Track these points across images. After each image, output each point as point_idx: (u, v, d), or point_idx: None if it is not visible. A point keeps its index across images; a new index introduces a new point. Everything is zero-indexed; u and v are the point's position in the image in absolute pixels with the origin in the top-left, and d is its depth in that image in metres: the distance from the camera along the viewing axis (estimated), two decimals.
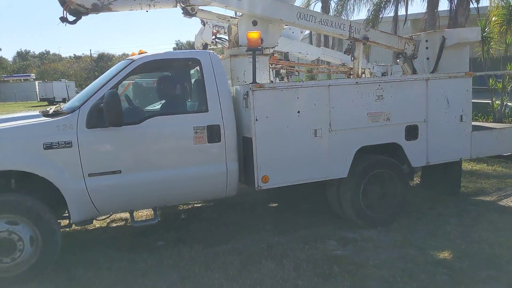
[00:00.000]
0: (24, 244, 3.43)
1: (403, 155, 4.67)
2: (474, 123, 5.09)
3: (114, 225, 5.05)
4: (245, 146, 4.16)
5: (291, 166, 4.18)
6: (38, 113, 3.91)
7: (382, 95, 4.46)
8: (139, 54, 4.24)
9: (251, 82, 4.09)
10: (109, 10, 4.38)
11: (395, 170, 4.64)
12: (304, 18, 5.03)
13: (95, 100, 3.66)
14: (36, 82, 49.33)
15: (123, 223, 5.15)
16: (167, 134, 3.89)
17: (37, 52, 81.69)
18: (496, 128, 5.37)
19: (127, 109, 4.09)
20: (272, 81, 5.32)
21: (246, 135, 4.11)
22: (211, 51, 4.30)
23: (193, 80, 4.34)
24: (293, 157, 4.17)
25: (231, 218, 5.09)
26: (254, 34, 3.99)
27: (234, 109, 4.15)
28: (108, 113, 3.44)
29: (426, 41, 5.67)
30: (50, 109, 4.11)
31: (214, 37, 7.08)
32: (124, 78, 3.86)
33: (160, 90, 4.50)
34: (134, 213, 4.16)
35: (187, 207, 5.71)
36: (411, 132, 4.64)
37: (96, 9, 4.24)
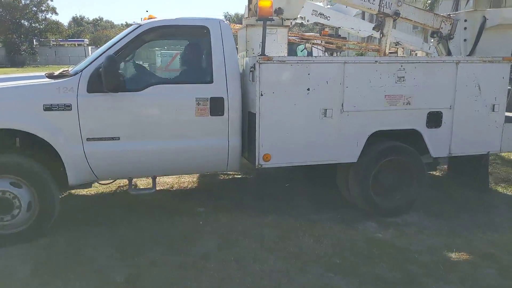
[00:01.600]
0: (23, 204, 3.49)
1: (422, 143, 4.33)
2: (508, 113, 4.61)
3: (158, 188, 5.10)
4: (250, 122, 3.98)
5: (296, 146, 3.98)
6: (43, 75, 3.91)
7: (404, 77, 4.10)
8: (149, 19, 4.11)
9: (259, 54, 3.87)
10: None
11: (412, 158, 4.32)
12: None
13: (97, 64, 3.59)
14: (89, 48, 51.25)
15: (167, 186, 5.25)
16: (168, 103, 3.78)
17: (91, 18, 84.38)
18: None
19: (133, 75, 4.01)
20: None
21: (252, 111, 3.92)
22: (222, 19, 4.09)
23: (201, 49, 4.17)
24: (298, 137, 3.96)
25: (270, 191, 5.07)
26: (266, 2, 3.73)
27: (241, 82, 3.97)
28: (104, 78, 3.37)
29: (465, 20, 5.15)
30: (58, 71, 4.10)
31: None
32: (129, 43, 3.76)
33: (168, 57, 4.38)
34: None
35: (227, 177, 5.74)
36: (434, 119, 4.27)
37: None
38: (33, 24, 52.74)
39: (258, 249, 3.54)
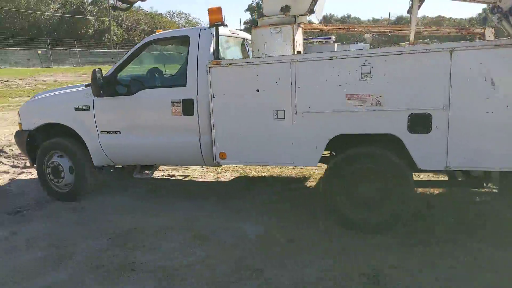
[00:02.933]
0: (64, 171, 4.96)
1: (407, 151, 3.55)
2: None
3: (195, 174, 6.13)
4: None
5: (250, 147, 4.02)
6: (84, 84, 5.25)
7: (369, 73, 3.48)
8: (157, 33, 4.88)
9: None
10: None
11: (388, 168, 3.62)
12: None
13: (108, 73, 4.65)
14: (335, 44, 54.90)
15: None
16: (151, 105, 4.49)
17: (339, 16, 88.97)
18: None
19: (130, 81, 4.76)
20: (299, 52, 4.73)
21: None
22: (205, 27, 4.42)
23: (182, 56, 4.62)
24: (252, 138, 3.99)
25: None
26: (214, 8, 3.91)
27: None
28: (91, 86, 4.39)
29: None
30: None
31: None
32: (132, 56, 4.64)
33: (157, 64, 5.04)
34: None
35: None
36: (419, 122, 3.44)
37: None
38: None
39: None
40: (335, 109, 3.64)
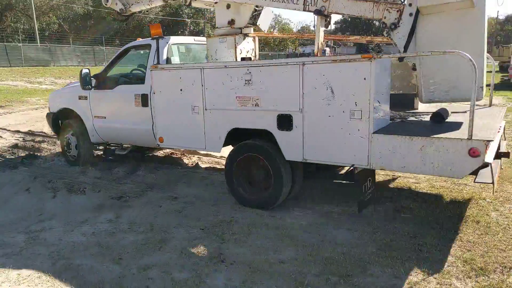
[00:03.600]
0: (72, 147, 6.62)
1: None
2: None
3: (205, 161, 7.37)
4: None
5: (177, 134, 5.15)
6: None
7: (250, 80, 4.37)
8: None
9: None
10: (130, 12, 6.46)
11: (267, 157, 4.45)
12: None
13: (100, 72, 6.16)
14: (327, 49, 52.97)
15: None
16: (123, 97, 5.86)
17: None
18: (428, 137, 3.54)
19: (111, 78, 6.15)
20: (245, 58, 5.61)
21: None
22: (164, 37, 5.59)
23: (146, 59, 5.84)
24: (178, 127, 5.11)
25: None
26: (154, 26, 5.10)
27: None
28: (79, 82, 5.92)
29: (410, 4, 4.18)
30: None
31: None
32: (116, 59, 6.08)
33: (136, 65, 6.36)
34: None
35: None
36: (284, 121, 4.24)
37: (122, 12, 6.44)
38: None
39: None
40: (230, 107, 4.59)
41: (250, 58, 5.61)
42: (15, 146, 8.01)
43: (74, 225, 4.46)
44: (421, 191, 5.11)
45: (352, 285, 3.12)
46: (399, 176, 5.65)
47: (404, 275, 3.22)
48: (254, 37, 5.87)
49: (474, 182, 3.62)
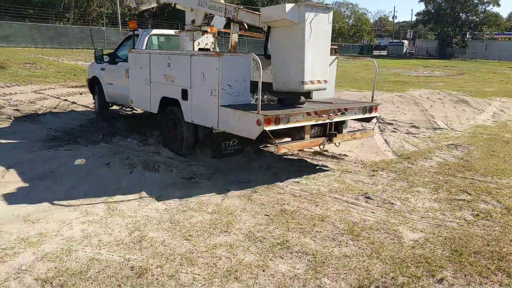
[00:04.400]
0: (97, 105, 9.39)
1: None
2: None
3: None
4: None
5: (138, 98, 7.45)
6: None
7: (169, 64, 6.42)
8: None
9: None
10: (140, 10, 8.79)
11: (177, 118, 6.47)
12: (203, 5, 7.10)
13: (113, 51, 8.73)
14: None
15: None
16: (120, 71, 8.30)
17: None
18: (241, 110, 5.22)
19: (116, 56, 8.63)
20: (202, 49, 7.43)
21: None
22: (147, 29, 7.91)
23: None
24: (139, 93, 7.38)
25: None
26: (131, 22, 7.45)
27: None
28: (95, 58, 8.54)
29: None
30: None
31: None
32: (121, 43, 8.64)
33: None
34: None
35: None
36: (184, 94, 6.21)
37: (136, 9, 8.81)
38: (470, 17, 54.25)
39: None
40: (161, 82, 6.69)
41: (208, 49, 7.59)
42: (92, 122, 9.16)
43: (148, 200, 4.78)
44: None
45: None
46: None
47: None
48: (214, 33, 7.81)
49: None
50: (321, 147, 6.60)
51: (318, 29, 5.45)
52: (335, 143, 6.23)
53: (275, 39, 5.71)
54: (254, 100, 6.03)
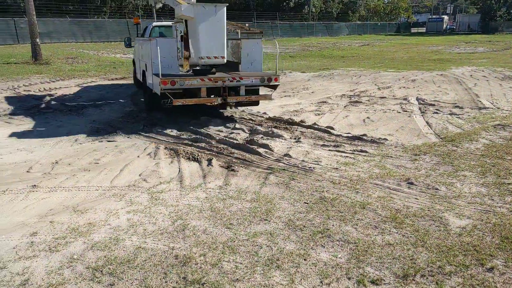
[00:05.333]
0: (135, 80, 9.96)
1: None
2: None
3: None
4: None
5: (137, 71, 9.93)
6: None
7: (142, 46, 8.90)
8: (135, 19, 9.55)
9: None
10: (157, 7, 9.40)
11: (145, 88, 8.80)
12: None
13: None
14: None
15: None
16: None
17: None
18: (155, 76, 7.34)
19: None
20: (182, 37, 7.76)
21: None
22: (155, 21, 9.47)
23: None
24: (138, 69, 9.90)
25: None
26: (135, 18, 8.76)
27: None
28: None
29: None
30: None
31: None
32: (142, 31, 9.56)
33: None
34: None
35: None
36: (146, 67, 8.27)
37: (154, 6, 9.38)
38: None
39: None
40: (141, 59, 8.16)
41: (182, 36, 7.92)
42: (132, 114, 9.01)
43: (189, 189, 4.82)
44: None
45: (470, 276, 3.06)
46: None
47: None
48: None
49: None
50: (215, 103, 7.56)
51: (212, 20, 7.19)
52: (229, 102, 7.62)
53: (189, 28, 7.23)
54: (185, 71, 7.66)
